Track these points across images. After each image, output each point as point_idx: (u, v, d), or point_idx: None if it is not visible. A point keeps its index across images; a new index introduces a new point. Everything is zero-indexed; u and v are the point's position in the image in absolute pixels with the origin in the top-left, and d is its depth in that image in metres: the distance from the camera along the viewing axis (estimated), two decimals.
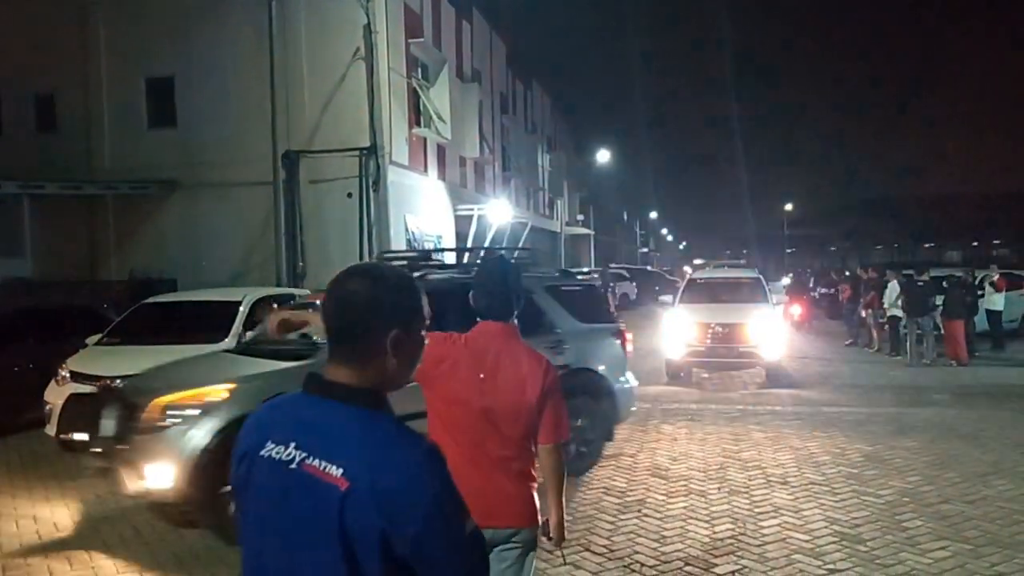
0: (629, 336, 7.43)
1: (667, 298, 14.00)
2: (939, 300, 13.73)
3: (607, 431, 6.90)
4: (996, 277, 15.18)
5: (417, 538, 1.31)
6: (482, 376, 2.59)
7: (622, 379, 7.16)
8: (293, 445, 1.40)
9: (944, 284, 13.96)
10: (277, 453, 1.41)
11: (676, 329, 11.78)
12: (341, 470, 1.33)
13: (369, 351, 1.44)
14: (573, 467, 6.14)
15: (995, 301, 14.99)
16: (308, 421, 1.42)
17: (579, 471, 6.54)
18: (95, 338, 8.58)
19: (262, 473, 1.43)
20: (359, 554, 1.30)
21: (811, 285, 29.19)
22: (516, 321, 2.74)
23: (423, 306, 1.52)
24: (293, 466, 1.38)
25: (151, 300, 9.60)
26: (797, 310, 20.37)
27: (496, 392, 2.58)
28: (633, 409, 7.45)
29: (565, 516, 2.74)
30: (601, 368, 6.90)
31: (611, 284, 21.37)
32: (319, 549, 1.33)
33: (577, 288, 7.48)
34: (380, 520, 1.29)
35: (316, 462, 1.36)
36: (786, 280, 29.76)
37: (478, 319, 2.75)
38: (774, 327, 11.59)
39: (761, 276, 13.65)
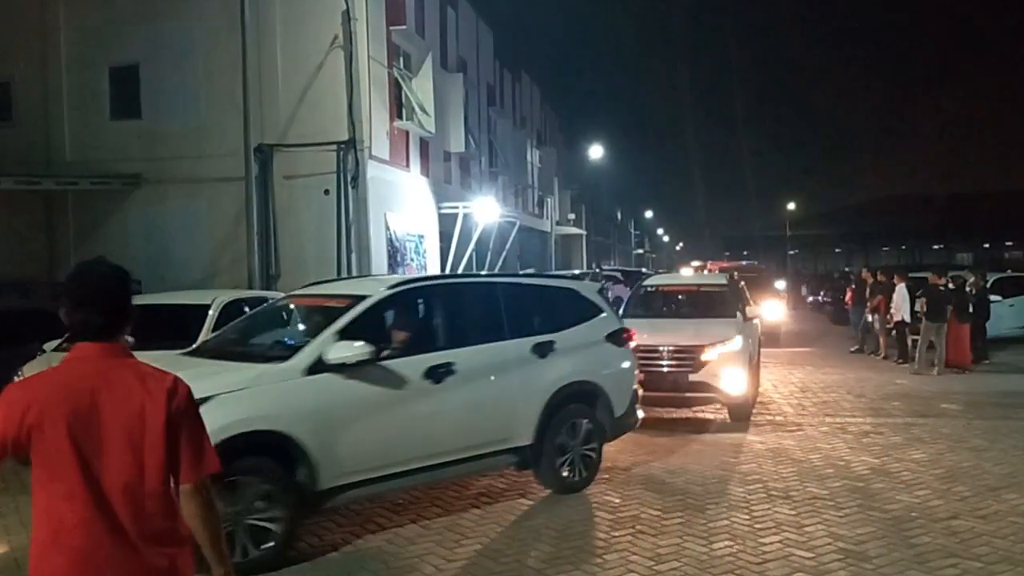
0: None
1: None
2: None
3: None
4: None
5: None
6: (82, 419, 2.17)
7: None
8: None
9: (952, 287, 14.13)
10: None
11: None
12: None
13: None
14: None
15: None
16: None
17: None
18: (53, 343, 8.49)
19: None
20: None
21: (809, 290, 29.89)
22: (128, 338, 2.37)
23: None
24: None
25: None
26: None
27: (106, 435, 2.18)
28: None
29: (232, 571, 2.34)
30: None
31: (605, 287, 21.33)
32: None
33: None
34: None
35: None
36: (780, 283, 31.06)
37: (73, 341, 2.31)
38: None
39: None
